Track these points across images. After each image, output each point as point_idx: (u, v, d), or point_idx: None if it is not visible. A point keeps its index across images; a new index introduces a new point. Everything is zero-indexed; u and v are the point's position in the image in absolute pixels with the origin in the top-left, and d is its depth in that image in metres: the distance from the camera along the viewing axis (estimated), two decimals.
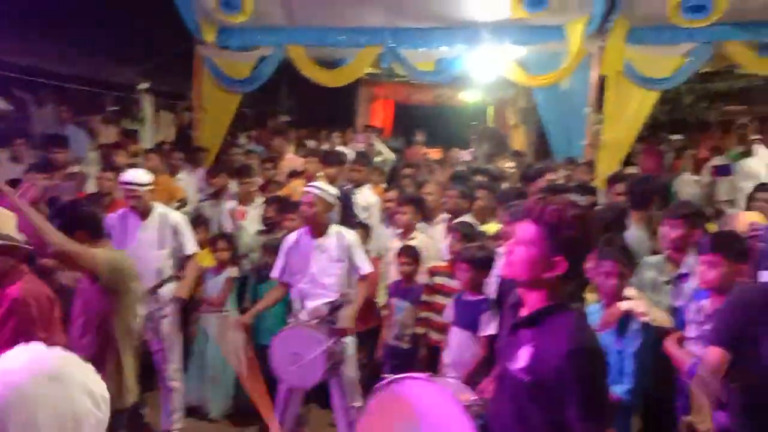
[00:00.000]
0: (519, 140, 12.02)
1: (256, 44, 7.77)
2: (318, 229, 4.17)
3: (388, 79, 11.53)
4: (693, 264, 3.44)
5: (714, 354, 2.54)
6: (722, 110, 11.98)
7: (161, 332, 4.44)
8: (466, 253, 3.75)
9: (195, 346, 4.94)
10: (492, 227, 4.57)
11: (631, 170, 7.33)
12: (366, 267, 4.19)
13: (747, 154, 9.78)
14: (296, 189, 5.71)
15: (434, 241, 4.99)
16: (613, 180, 5.21)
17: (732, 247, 2.91)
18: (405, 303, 4.36)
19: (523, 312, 2.05)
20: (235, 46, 7.78)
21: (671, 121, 11.59)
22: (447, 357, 3.85)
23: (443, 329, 4.01)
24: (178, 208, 5.52)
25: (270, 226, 5.27)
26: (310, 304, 4.04)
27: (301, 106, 12.97)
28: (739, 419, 2.52)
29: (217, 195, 6.02)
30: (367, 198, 5.76)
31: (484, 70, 8.02)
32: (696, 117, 11.82)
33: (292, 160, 7.45)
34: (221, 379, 4.85)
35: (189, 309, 4.94)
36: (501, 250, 3.74)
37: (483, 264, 3.69)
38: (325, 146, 9.15)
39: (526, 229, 1.96)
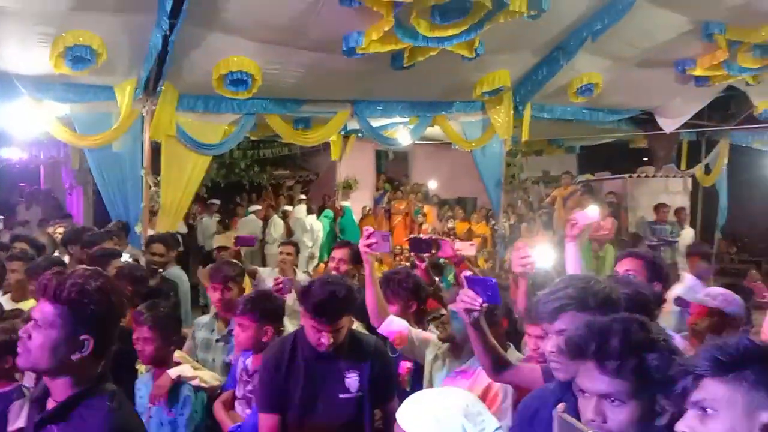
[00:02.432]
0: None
1: None
2: None
3: None
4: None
5: (264, 421, 2.66)
6: (272, 174, 13.42)
7: None
8: None
9: None
10: (30, 303, 4.02)
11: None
12: None
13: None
14: None
15: None
16: (150, 240, 5.35)
17: (260, 308, 3.10)
18: None
19: (50, 404, 1.79)
20: None
21: (228, 183, 12.40)
22: None
23: None
24: None
25: None
26: None
27: None
28: None
29: None
30: None
31: (24, 126, 7.19)
32: (250, 180, 12.92)
33: None
34: None
35: None
36: None
37: (6, 348, 3.16)
38: None
39: (43, 310, 1.72)
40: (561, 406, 1.43)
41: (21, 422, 3.00)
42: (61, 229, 6.93)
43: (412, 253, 4.12)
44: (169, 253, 5.23)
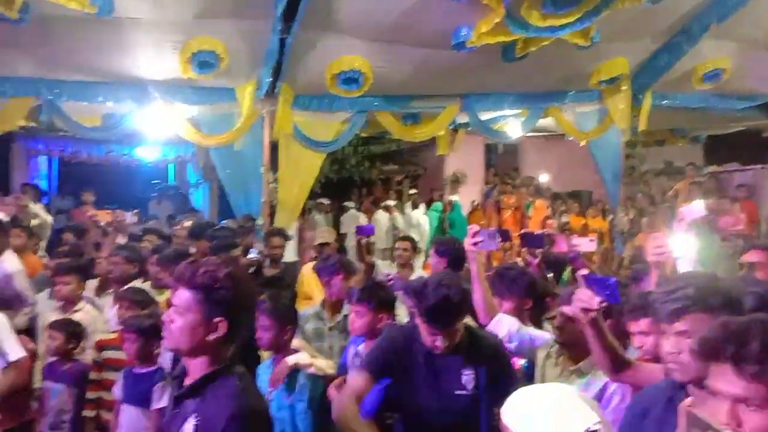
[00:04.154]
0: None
1: None
2: None
3: (51, 133, 10.46)
4: None
5: (359, 377, 2.73)
6: (381, 169, 13.65)
7: None
8: (133, 321, 3.51)
9: None
10: (167, 293, 4.38)
11: None
12: (16, 352, 3.59)
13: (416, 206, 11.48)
14: None
15: (105, 312, 4.59)
16: (270, 234, 5.57)
17: (376, 298, 3.22)
18: (60, 385, 3.87)
19: (187, 381, 1.97)
20: None
21: (339, 179, 12.75)
22: None
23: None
24: None
25: None
26: None
27: None
28: None
29: None
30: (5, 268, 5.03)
31: (156, 128, 7.80)
32: (360, 176, 13.21)
33: None
34: None
35: None
36: None
37: (152, 332, 3.48)
38: None
39: (181, 296, 1.90)
40: (689, 400, 1.38)
41: (163, 402, 3.30)
42: (188, 223, 7.44)
43: (523, 249, 4.06)
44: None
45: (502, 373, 2.71)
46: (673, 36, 7.55)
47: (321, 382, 3.32)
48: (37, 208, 8.15)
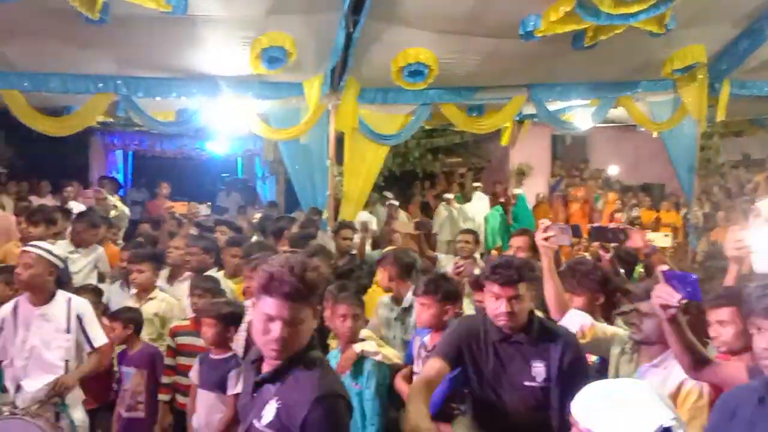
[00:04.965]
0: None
1: None
2: (40, 296, 3.67)
3: (127, 128, 10.93)
4: (411, 300, 3.83)
5: (433, 362, 2.70)
6: (444, 162, 13.55)
7: None
8: (211, 308, 3.62)
9: None
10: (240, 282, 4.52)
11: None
12: (99, 338, 3.79)
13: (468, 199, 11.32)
14: (11, 251, 5.02)
15: (179, 300, 4.77)
16: (341, 226, 5.64)
17: (441, 290, 3.22)
18: (132, 369, 4.05)
19: (266, 367, 2.03)
20: None
21: (402, 172, 12.73)
22: (196, 421, 3.65)
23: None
24: None
25: None
26: (29, 385, 3.52)
27: (22, 157, 11.50)
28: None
29: None
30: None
31: (227, 122, 8.02)
32: (423, 169, 13.16)
33: (3, 218, 6.50)
34: None
35: None
36: (248, 304, 3.74)
37: (229, 319, 3.60)
38: (51, 202, 8.26)
39: (280, 308, 1.90)
40: None
41: (239, 388, 3.40)
42: (258, 215, 7.66)
43: (594, 243, 3.97)
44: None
45: (574, 366, 2.64)
46: (754, 21, 7.17)
47: (387, 370, 3.36)
48: (114, 199, 8.55)
